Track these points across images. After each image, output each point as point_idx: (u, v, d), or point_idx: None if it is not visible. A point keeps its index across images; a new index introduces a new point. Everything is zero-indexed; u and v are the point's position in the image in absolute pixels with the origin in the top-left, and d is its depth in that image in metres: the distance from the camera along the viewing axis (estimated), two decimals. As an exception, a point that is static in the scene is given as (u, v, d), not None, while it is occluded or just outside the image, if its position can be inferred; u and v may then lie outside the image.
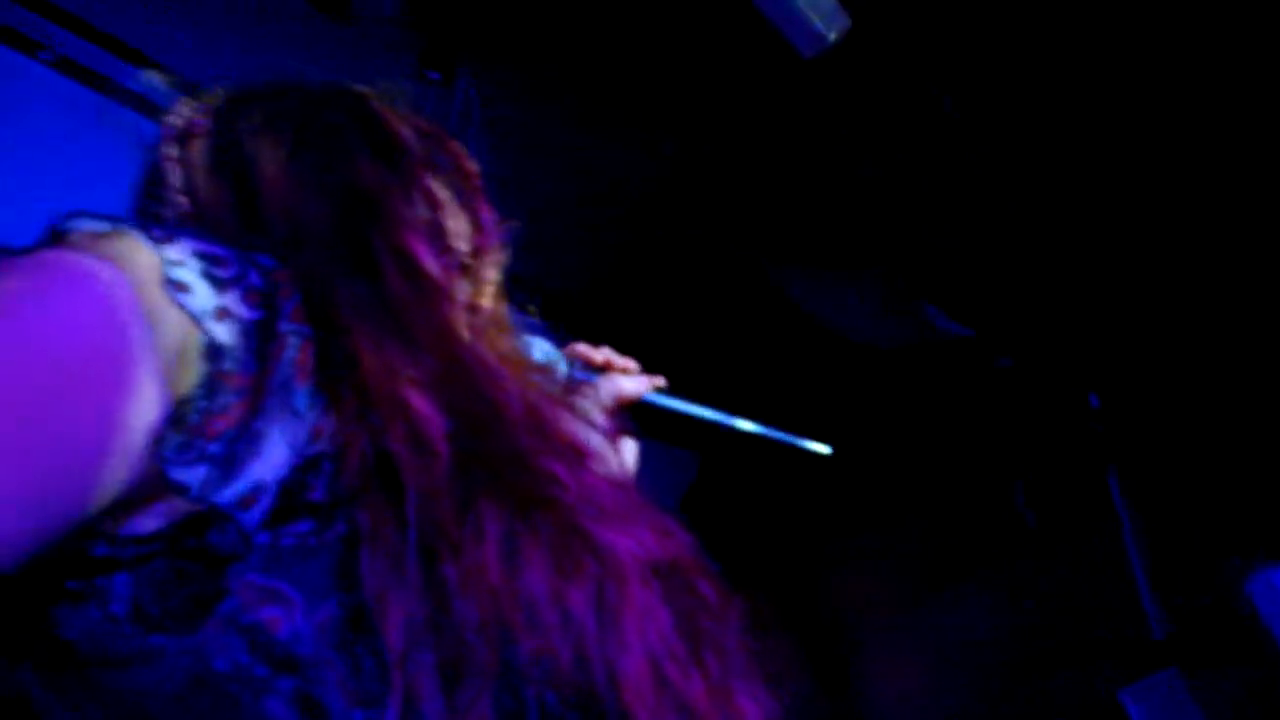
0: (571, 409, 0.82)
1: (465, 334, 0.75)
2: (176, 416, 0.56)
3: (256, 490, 0.58)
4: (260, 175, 0.75)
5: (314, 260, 0.68)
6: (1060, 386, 3.36)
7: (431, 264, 0.73)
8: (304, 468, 0.60)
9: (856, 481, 3.78)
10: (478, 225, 0.85)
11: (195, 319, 0.57)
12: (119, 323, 0.55)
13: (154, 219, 0.77)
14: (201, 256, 0.60)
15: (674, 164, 2.84)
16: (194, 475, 0.57)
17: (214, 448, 0.57)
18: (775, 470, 3.63)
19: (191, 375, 0.57)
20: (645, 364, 1.08)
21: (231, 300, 0.60)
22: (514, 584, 0.61)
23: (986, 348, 3.43)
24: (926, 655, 3.62)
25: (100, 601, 0.57)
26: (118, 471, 0.54)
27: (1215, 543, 2.90)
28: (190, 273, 0.59)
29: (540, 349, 1.04)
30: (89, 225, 0.59)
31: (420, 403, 0.64)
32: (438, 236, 0.79)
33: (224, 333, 0.58)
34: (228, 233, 0.73)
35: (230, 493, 0.57)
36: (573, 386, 1.04)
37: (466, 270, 0.82)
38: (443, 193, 0.82)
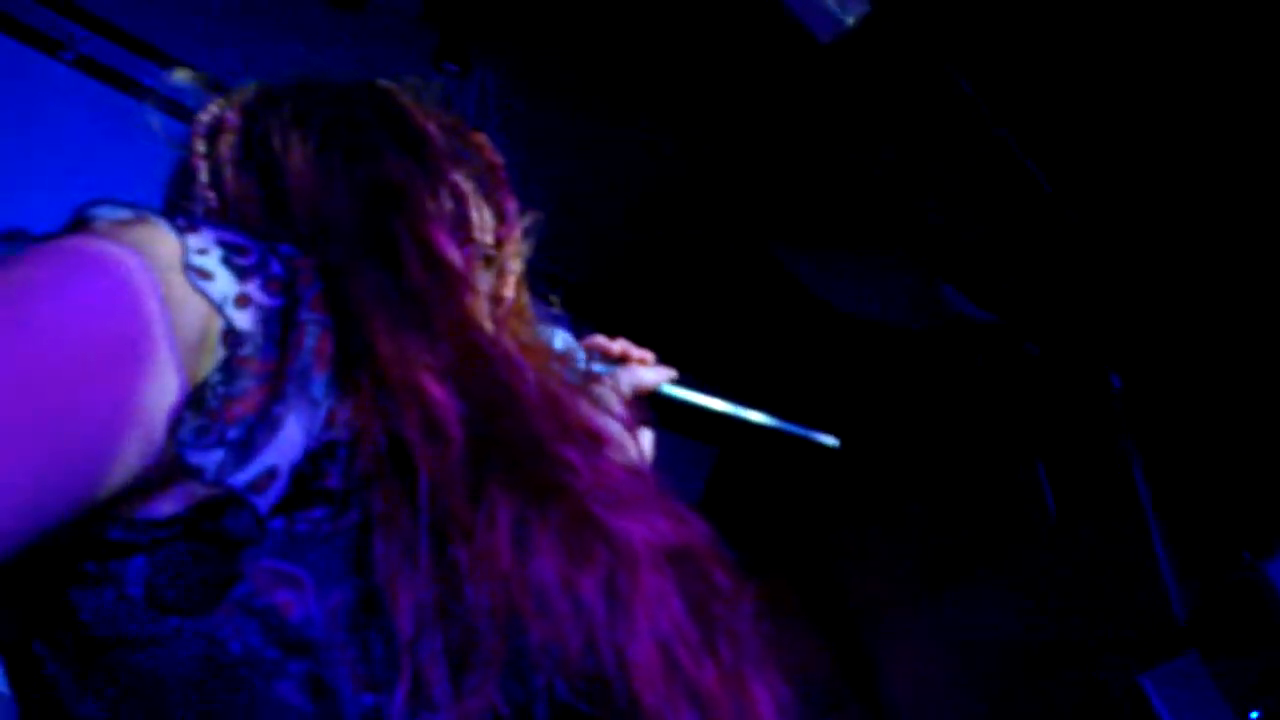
0: (590, 398, 0.83)
1: (486, 323, 0.77)
2: (195, 400, 0.58)
3: (270, 474, 0.59)
4: (287, 170, 0.76)
5: (337, 250, 0.69)
6: (1082, 368, 3.35)
7: (454, 254, 0.74)
8: (319, 454, 0.61)
9: (874, 470, 3.78)
10: (501, 217, 0.86)
11: (216, 305, 0.59)
12: (139, 307, 0.56)
13: (181, 212, 0.78)
14: (223, 245, 0.62)
15: (691, 153, 2.84)
16: (211, 459, 0.58)
17: (232, 432, 0.58)
18: (791, 461, 3.63)
19: (211, 360, 0.58)
20: (660, 355, 1.10)
21: (253, 288, 0.61)
22: (524, 570, 0.61)
23: (1007, 332, 3.42)
24: (946, 641, 3.62)
25: (116, 584, 0.58)
26: (134, 453, 0.55)
27: (1237, 525, 2.89)
28: (212, 260, 0.60)
29: (560, 339, 1.05)
30: (112, 212, 0.61)
31: (436, 389, 0.64)
32: (461, 228, 0.81)
33: (244, 319, 0.60)
34: (254, 227, 0.74)
35: (244, 476, 0.58)
36: (591, 377, 1.06)
37: (490, 261, 0.84)
38: (467, 185, 0.83)
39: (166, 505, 0.58)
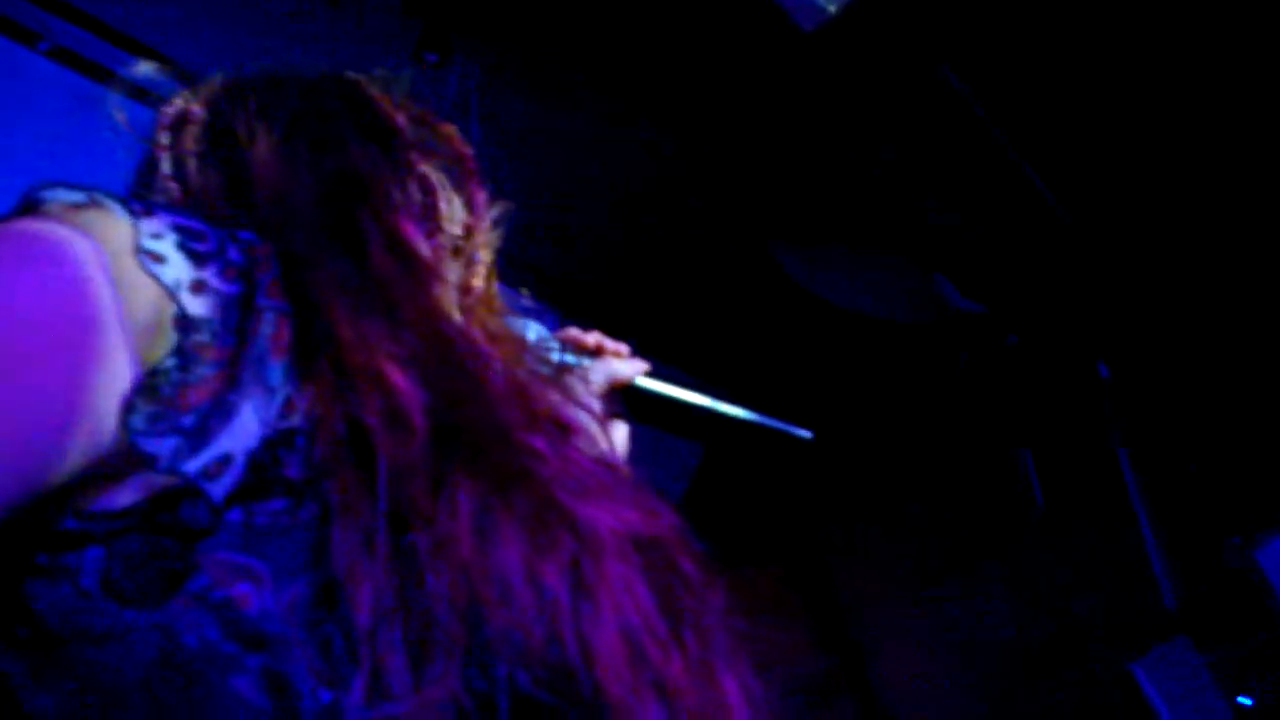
0: (560, 388, 0.83)
1: (454, 313, 0.77)
2: (149, 387, 0.57)
3: (223, 461, 0.58)
4: (252, 160, 0.76)
5: (300, 238, 0.69)
6: (1069, 359, 3.35)
7: (421, 244, 0.74)
8: (276, 442, 0.60)
9: (864, 465, 3.78)
10: (471, 208, 0.87)
11: (168, 290, 0.58)
12: (90, 291, 0.56)
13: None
14: (179, 230, 0.61)
15: (677, 145, 2.83)
16: (164, 446, 0.57)
17: (186, 420, 0.58)
18: (779, 456, 3.62)
19: (165, 346, 0.58)
20: (647, 348, 1.10)
21: (210, 274, 0.61)
22: (486, 558, 0.61)
23: (996, 324, 3.42)
24: (938, 634, 3.63)
25: (72, 576, 0.57)
26: (84, 440, 0.55)
27: (1225, 513, 2.89)
28: (166, 245, 0.60)
29: (534, 332, 1.05)
30: (64, 196, 0.60)
31: (398, 377, 0.64)
32: (430, 218, 0.81)
33: (200, 306, 0.59)
34: (217, 217, 0.73)
35: (197, 463, 0.58)
36: (566, 368, 1.05)
37: (458, 251, 0.84)
38: (436, 176, 0.84)
39: (122, 496, 0.57)
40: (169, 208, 0.65)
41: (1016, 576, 3.40)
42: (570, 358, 1.07)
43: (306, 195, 0.73)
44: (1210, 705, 2.84)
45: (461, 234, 0.84)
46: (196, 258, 0.61)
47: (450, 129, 0.89)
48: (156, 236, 0.60)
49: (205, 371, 0.59)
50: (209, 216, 0.69)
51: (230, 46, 2.11)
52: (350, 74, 0.87)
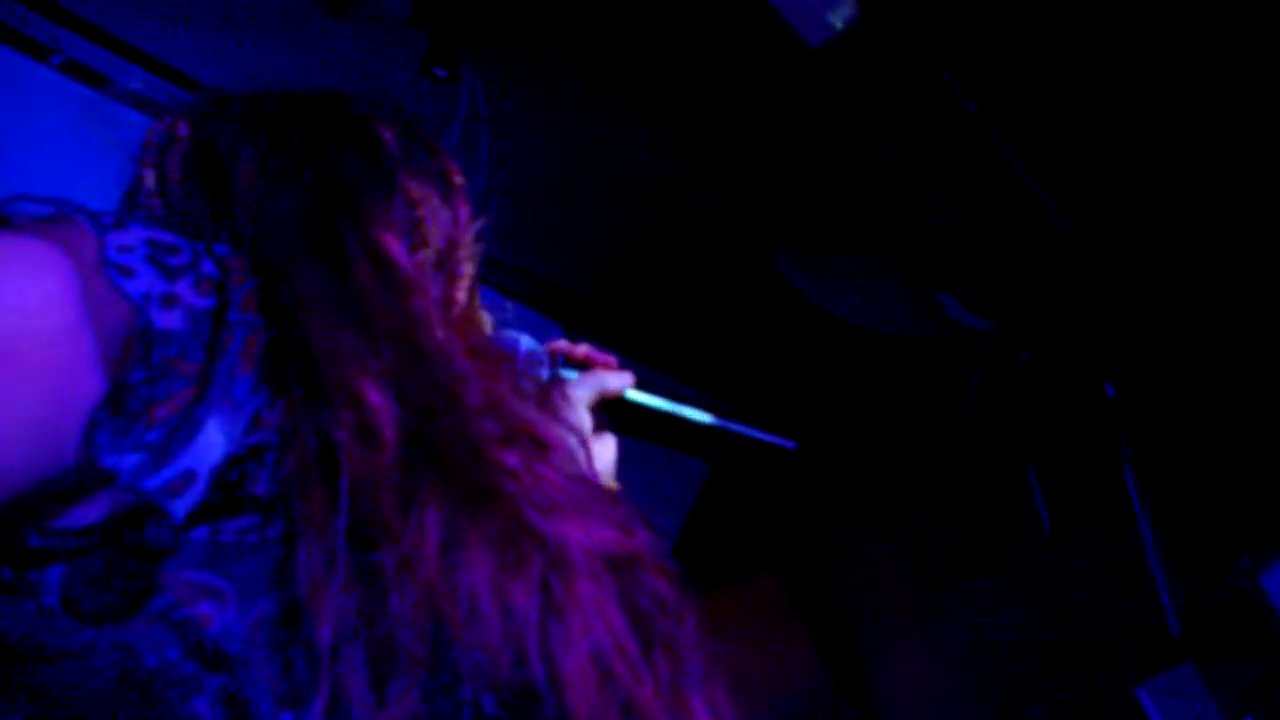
0: (544, 403, 0.82)
1: (435, 326, 0.75)
2: (115, 401, 0.56)
3: (186, 478, 0.58)
4: (234, 175, 0.76)
5: (278, 251, 0.69)
6: (1076, 376, 3.33)
7: (402, 257, 0.73)
8: (243, 458, 0.60)
9: (870, 477, 3.77)
10: (456, 221, 0.86)
11: (135, 304, 0.58)
12: (56, 304, 0.55)
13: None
14: (151, 243, 0.61)
15: (683, 157, 2.83)
16: (127, 462, 0.57)
17: (152, 435, 0.57)
18: (776, 468, 3.62)
19: (133, 360, 0.57)
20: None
21: (182, 287, 0.60)
22: (452, 577, 0.60)
23: (1002, 339, 3.41)
24: (940, 651, 3.61)
25: (34, 594, 0.57)
26: (45, 452, 0.54)
27: (1231, 536, 2.87)
28: (136, 258, 0.59)
29: (524, 344, 1.05)
30: (31, 209, 0.60)
31: (372, 392, 0.63)
32: (414, 231, 0.80)
33: (171, 319, 0.59)
34: (199, 233, 0.73)
35: (158, 479, 0.57)
36: (555, 381, 1.05)
37: (442, 264, 0.83)
38: (421, 190, 0.83)
39: (88, 513, 0.57)
40: (144, 221, 0.65)
41: (1020, 592, 3.38)
42: (561, 370, 1.07)
43: (287, 209, 0.73)
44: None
45: (445, 247, 0.83)
46: (168, 271, 0.60)
47: (437, 143, 0.88)
48: (125, 249, 0.59)
49: (175, 386, 0.58)
50: (190, 231, 0.69)
51: (239, 61, 2.13)
52: (338, 88, 0.87)
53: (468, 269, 0.86)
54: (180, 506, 0.57)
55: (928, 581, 3.66)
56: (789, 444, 1.12)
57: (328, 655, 0.57)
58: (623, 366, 1.08)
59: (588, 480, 0.77)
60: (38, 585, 0.57)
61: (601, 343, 1.10)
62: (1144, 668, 2.94)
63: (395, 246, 0.74)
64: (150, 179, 0.79)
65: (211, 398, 0.59)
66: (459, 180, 0.88)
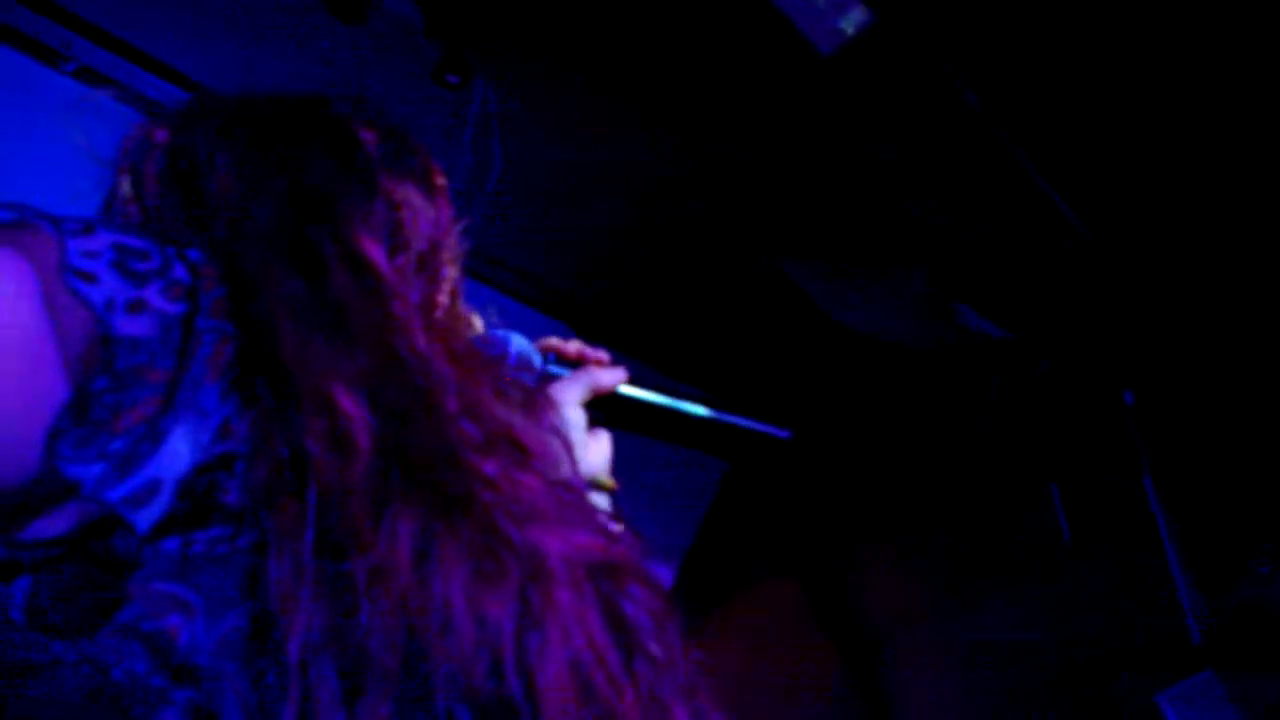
0: (529, 406, 0.80)
1: (414, 330, 0.73)
2: (79, 409, 0.55)
3: (150, 488, 0.57)
4: (210, 179, 0.75)
5: (253, 256, 0.67)
6: (1095, 385, 3.31)
7: (380, 261, 0.72)
8: (211, 466, 0.59)
9: (887, 486, 3.74)
10: (438, 223, 0.85)
11: (95, 310, 0.56)
12: (14, 310, 0.54)
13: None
14: (119, 249, 0.60)
15: (694, 164, 2.84)
16: (90, 472, 0.55)
17: (116, 444, 0.56)
18: (803, 475, 3.61)
19: (95, 368, 0.56)
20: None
21: (151, 293, 0.59)
22: (426, 588, 0.59)
23: (1020, 347, 3.39)
24: (960, 660, 3.58)
25: (1, 608, 0.56)
26: (5, 462, 0.53)
27: (1251, 543, 2.84)
28: (100, 263, 0.58)
29: (515, 344, 1.05)
30: None
31: (345, 399, 0.62)
32: (395, 234, 0.79)
33: (138, 325, 0.58)
34: (172, 238, 0.71)
35: (121, 490, 0.56)
36: (547, 379, 1.05)
37: (423, 267, 0.82)
38: (403, 193, 0.82)
39: (53, 524, 0.56)
40: (112, 226, 0.63)
41: (1039, 600, 3.35)
42: (553, 368, 1.07)
43: (264, 214, 0.71)
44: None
45: (427, 249, 0.82)
46: (136, 276, 0.59)
47: (419, 145, 0.87)
48: (89, 255, 0.58)
49: (141, 394, 0.57)
50: (165, 238, 0.68)
51: (251, 69, 2.15)
52: (319, 91, 0.86)
53: (450, 271, 0.85)
54: (144, 518, 0.56)
55: (946, 590, 3.63)
56: (783, 433, 1.11)
57: (297, 667, 0.56)
58: (615, 362, 1.08)
59: (571, 486, 0.75)
60: (4, 598, 0.56)
61: (609, 346, 1.10)
62: (1165, 675, 2.90)
63: (374, 250, 0.73)
64: (126, 185, 0.78)
65: (178, 406, 0.58)
66: (441, 181, 0.87)
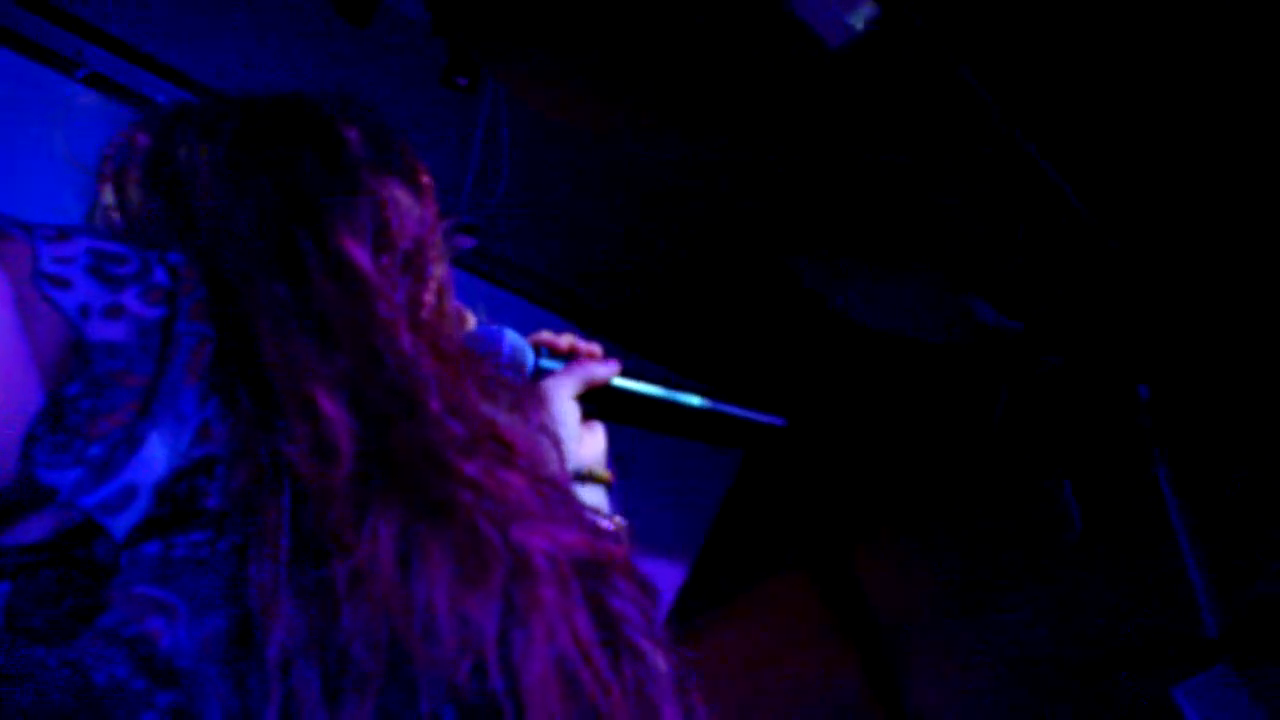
0: (516, 404, 0.80)
1: (399, 331, 0.73)
2: (54, 415, 0.55)
3: (126, 493, 0.56)
4: (192, 182, 0.75)
5: (234, 259, 0.67)
6: (1109, 379, 3.29)
7: (364, 261, 0.72)
8: (189, 470, 0.58)
9: (900, 482, 3.73)
10: (424, 221, 0.84)
11: (68, 316, 0.56)
12: None
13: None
14: (95, 254, 0.60)
15: (702, 165, 2.84)
16: (66, 478, 0.55)
17: (93, 449, 0.56)
18: (814, 470, 3.61)
19: (70, 373, 0.56)
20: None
21: (128, 298, 0.59)
22: (408, 590, 0.58)
23: (1033, 342, 3.37)
24: (975, 656, 3.56)
25: None
26: None
27: (1267, 535, 2.81)
28: (75, 269, 0.58)
29: (508, 339, 1.06)
30: None
31: (327, 402, 0.62)
32: (380, 235, 0.78)
33: (115, 330, 0.57)
34: (153, 242, 0.72)
35: (97, 496, 0.55)
36: (541, 373, 1.06)
37: (409, 266, 0.81)
38: (388, 191, 0.81)
39: (31, 530, 0.55)
40: (90, 232, 0.63)
41: (1054, 594, 3.34)
42: (546, 362, 1.08)
43: (246, 215, 0.71)
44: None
45: (413, 248, 0.81)
46: (112, 281, 0.59)
47: (407, 144, 0.87)
48: (62, 261, 0.58)
49: (118, 399, 0.57)
50: (146, 242, 0.68)
51: (259, 73, 2.17)
52: (305, 92, 0.86)
53: (437, 269, 0.84)
54: (121, 523, 0.56)
55: (960, 586, 3.62)
56: (779, 421, 1.12)
57: (278, 670, 0.55)
58: (608, 355, 1.09)
59: (556, 483, 0.75)
60: None
61: (616, 342, 1.11)
62: (1180, 668, 2.88)
63: (357, 251, 0.72)
64: (108, 192, 0.78)
65: (156, 411, 0.58)
66: (427, 180, 0.86)
